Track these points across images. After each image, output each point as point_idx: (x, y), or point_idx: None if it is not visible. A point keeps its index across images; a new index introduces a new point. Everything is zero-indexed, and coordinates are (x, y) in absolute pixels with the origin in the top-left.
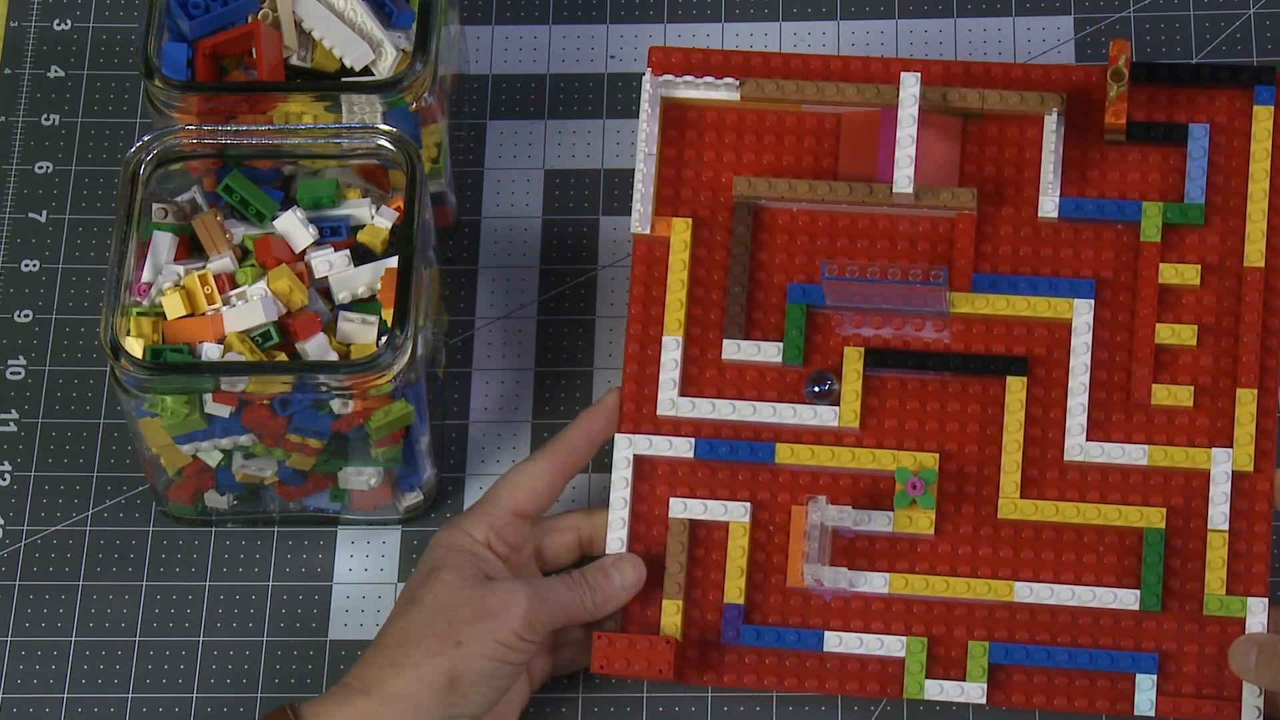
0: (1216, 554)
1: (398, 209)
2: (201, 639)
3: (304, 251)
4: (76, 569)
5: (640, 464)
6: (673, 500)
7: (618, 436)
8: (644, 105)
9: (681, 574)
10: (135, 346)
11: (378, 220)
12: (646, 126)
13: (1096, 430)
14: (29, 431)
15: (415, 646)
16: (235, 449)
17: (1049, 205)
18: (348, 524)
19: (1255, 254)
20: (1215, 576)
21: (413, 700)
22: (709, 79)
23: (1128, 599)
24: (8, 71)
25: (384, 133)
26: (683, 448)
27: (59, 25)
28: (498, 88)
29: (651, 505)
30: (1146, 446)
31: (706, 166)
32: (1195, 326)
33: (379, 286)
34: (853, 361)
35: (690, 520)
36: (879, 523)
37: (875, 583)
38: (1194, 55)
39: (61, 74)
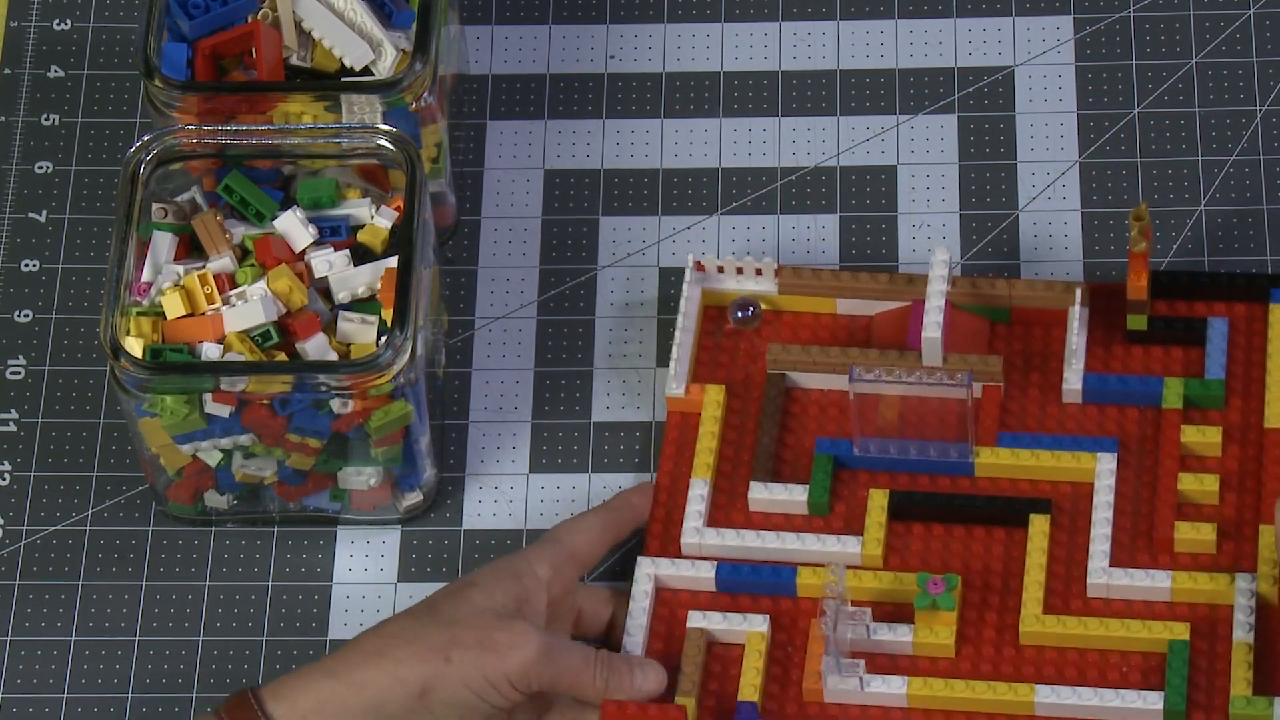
0: (1241, 659)
1: (398, 209)
2: (201, 639)
3: (304, 251)
4: (76, 569)
5: (661, 584)
6: (691, 613)
7: (640, 559)
8: (685, 292)
9: (696, 674)
10: (135, 346)
11: (378, 220)
12: (686, 306)
13: (1120, 564)
14: (29, 431)
15: (405, 645)
16: (235, 449)
17: (1074, 380)
18: (347, 524)
19: (1276, 417)
20: (1240, 679)
21: (380, 693)
22: (748, 270)
23: (1153, 700)
24: (8, 71)
25: (384, 133)
26: (705, 569)
27: (59, 25)
28: (498, 88)
29: (671, 623)
30: (1171, 572)
31: (742, 353)
32: (1218, 476)
33: (379, 286)
34: (878, 500)
35: (709, 630)
36: (899, 633)
37: (894, 684)
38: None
39: (61, 74)
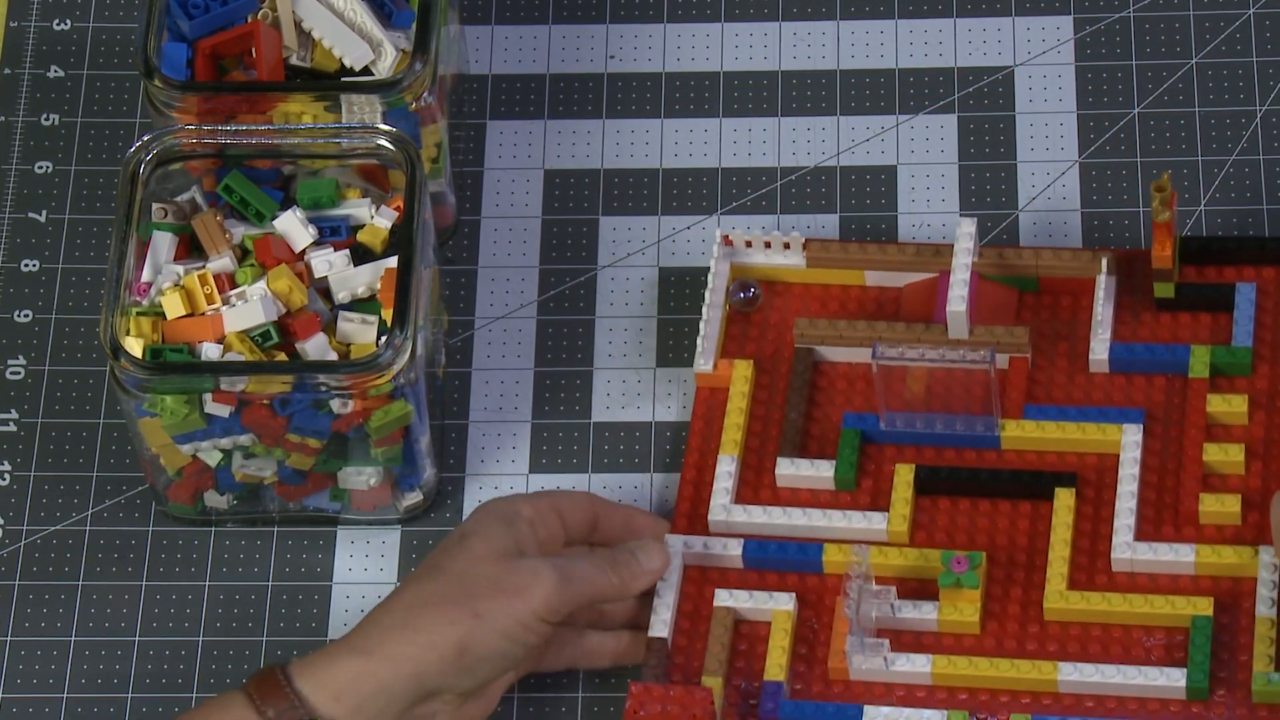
0: (1264, 636)
1: (398, 209)
2: (201, 639)
3: (304, 251)
4: (76, 569)
5: (688, 562)
6: (718, 591)
7: (668, 536)
8: (713, 268)
9: (724, 654)
10: (135, 346)
11: (378, 220)
12: (714, 281)
13: (1145, 537)
14: (29, 431)
15: (431, 611)
16: (235, 449)
17: (1100, 350)
18: (348, 524)
19: None
20: (1263, 655)
21: (417, 663)
22: (776, 244)
23: (1175, 676)
24: (8, 71)
25: (384, 133)
26: (733, 547)
27: (59, 25)
28: (497, 88)
29: (699, 601)
30: (1195, 545)
31: (771, 327)
32: (1243, 446)
33: (379, 286)
34: (903, 476)
35: (735, 609)
36: (924, 610)
37: (918, 663)
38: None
39: (61, 74)
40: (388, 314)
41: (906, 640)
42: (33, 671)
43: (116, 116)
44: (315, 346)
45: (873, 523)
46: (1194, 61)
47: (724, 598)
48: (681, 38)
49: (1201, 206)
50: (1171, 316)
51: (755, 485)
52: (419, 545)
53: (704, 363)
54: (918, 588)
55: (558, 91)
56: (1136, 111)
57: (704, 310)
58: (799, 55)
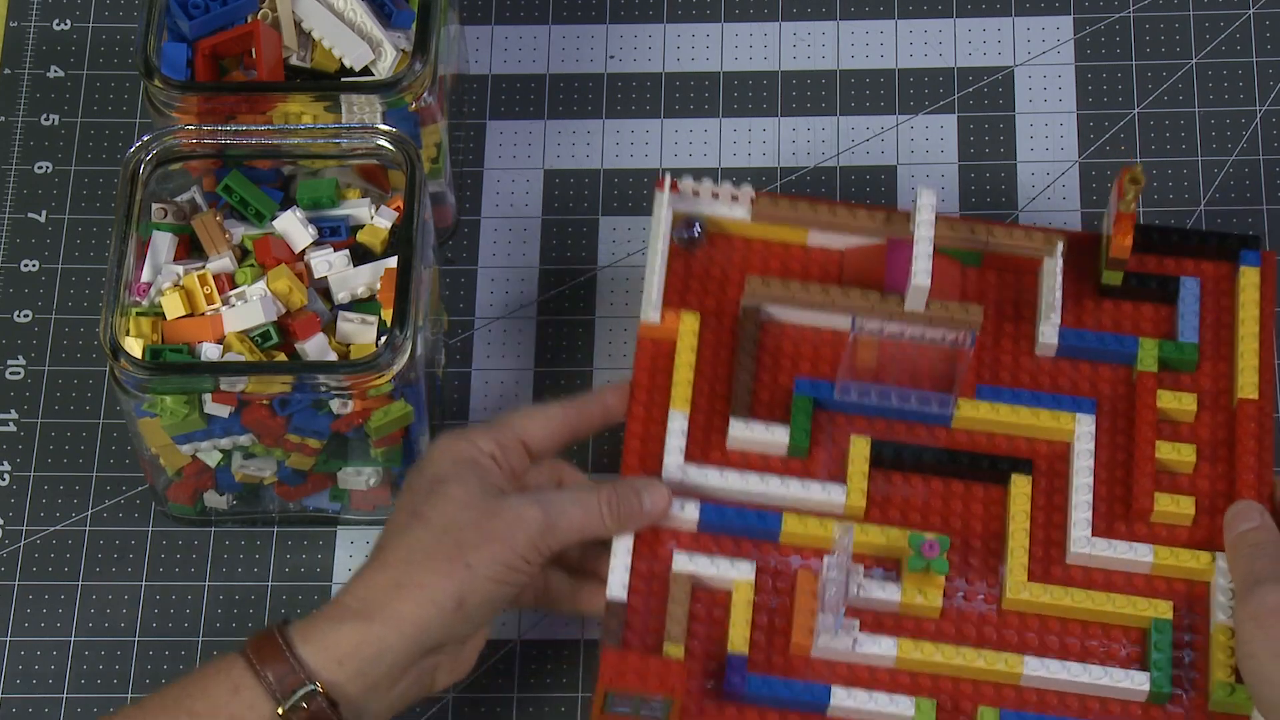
0: (1222, 645)
1: (397, 209)
2: (201, 639)
3: (303, 251)
4: (76, 569)
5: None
6: (676, 554)
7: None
8: (657, 213)
9: (684, 622)
10: (135, 346)
11: (377, 220)
12: (658, 227)
13: (1098, 532)
14: (29, 431)
15: (423, 567)
16: (235, 449)
17: (1049, 334)
18: (347, 524)
19: (1249, 387)
20: (1221, 664)
21: (419, 623)
22: (724, 195)
23: (1140, 680)
24: (8, 71)
25: (384, 133)
26: (690, 510)
27: (59, 25)
28: (497, 88)
29: (653, 561)
30: (1153, 546)
31: (712, 279)
32: (1194, 446)
33: (379, 286)
34: (860, 449)
35: (695, 575)
36: (888, 591)
37: (884, 645)
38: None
39: (61, 74)
40: (388, 314)
41: (867, 620)
42: (33, 671)
43: (116, 116)
44: (315, 346)
45: (831, 495)
46: (1194, 61)
47: (683, 562)
48: (681, 38)
49: (1201, 206)
50: (1114, 304)
51: (704, 445)
52: None
53: (652, 314)
54: (874, 564)
55: (558, 91)
56: (1136, 111)
57: (650, 258)
58: (799, 55)
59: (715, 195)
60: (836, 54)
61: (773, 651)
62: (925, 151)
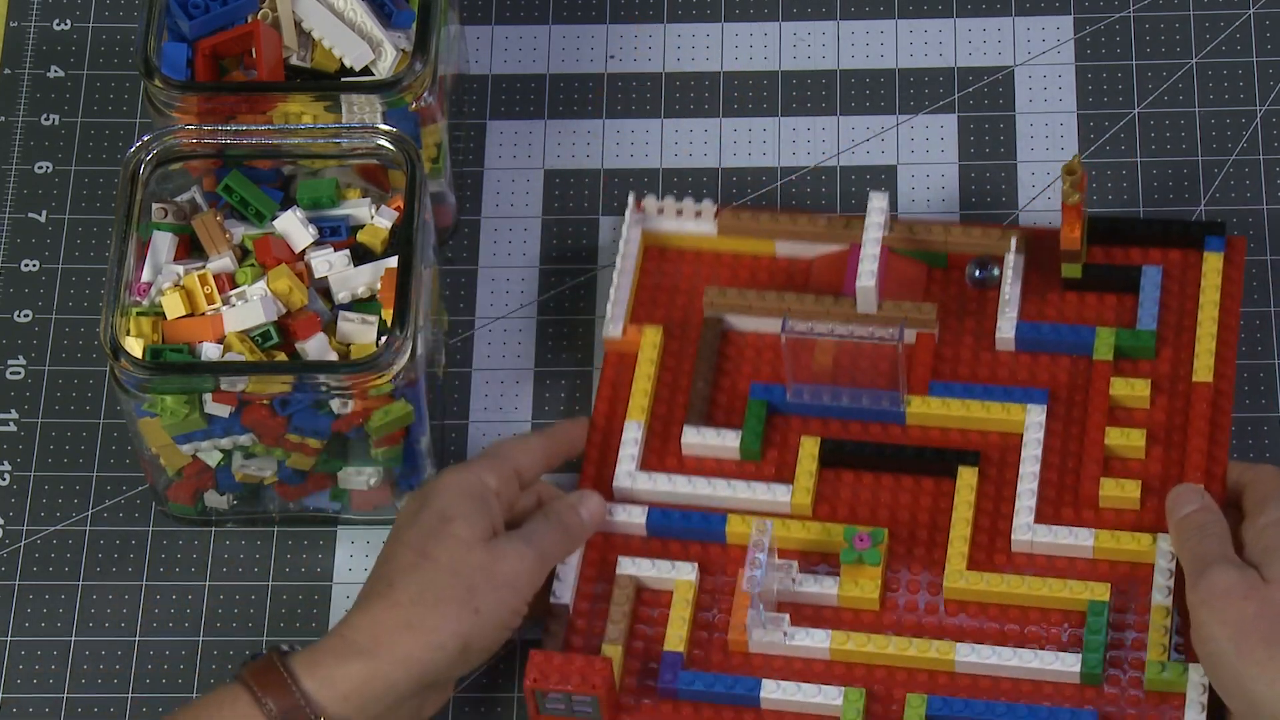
0: (1159, 625)
1: (398, 209)
2: (201, 639)
3: (304, 251)
4: (76, 569)
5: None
6: (621, 558)
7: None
8: (625, 234)
9: (624, 623)
10: (135, 346)
11: (378, 220)
12: (626, 247)
13: (1044, 520)
14: (29, 431)
15: (434, 611)
16: (235, 449)
17: (1007, 328)
18: (347, 524)
19: (1204, 370)
20: (1158, 644)
21: (425, 664)
22: (688, 212)
23: (1070, 661)
24: (8, 71)
25: (384, 133)
26: (636, 515)
27: (59, 25)
28: (497, 88)
29: (601, 566)
30: (1094, 530)
31: (681, 293)
32: (1144, 431)
33: (379, 286)
34: (808, 449)
35: (638, 577)
36: (825, 585)
37: (817, 637)
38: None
39: (61, 74)
40: (388, 314)
41: (807, 614)
42: (33, 671)
43: (116, 116)
44: (315, 346)
45: (777, 495)
46: (1194, 61)
47: (626, 565)
48: (681, 38)
49: (1202, 206)
50: (1078, 297)
51: (661, 453)
52: None
53: (614, 328)
54: (819, 561)
55: (558, 91)
56: (1136, 111)
57: (615, 276)
58: (799, 55)
59: (679, 212)
60: (836, 54)
61: (711, 648)
62: (925, 151)
